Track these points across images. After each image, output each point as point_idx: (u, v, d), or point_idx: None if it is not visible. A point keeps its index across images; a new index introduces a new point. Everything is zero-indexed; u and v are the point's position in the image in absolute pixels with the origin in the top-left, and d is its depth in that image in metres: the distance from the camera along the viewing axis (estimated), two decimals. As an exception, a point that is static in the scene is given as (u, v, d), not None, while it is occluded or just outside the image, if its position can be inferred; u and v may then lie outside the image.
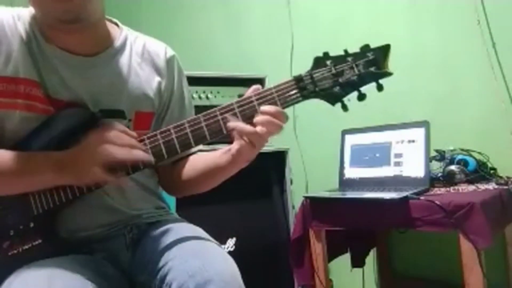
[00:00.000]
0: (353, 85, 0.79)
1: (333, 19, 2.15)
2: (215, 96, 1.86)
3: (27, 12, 0.90)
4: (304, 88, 0.80)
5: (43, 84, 0.86)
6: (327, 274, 1.61)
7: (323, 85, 0.80)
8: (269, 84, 1.97)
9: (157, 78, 1.00)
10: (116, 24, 1.00)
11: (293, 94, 0.81)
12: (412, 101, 1.90)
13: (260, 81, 1.97)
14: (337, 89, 0.80)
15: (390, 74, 0.79)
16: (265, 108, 0.81)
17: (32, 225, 0.85)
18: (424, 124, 1.57)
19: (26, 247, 0.84)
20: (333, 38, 2.11)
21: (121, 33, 0.98)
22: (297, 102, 0.82)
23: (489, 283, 1.24)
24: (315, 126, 2.15)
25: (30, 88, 0.85)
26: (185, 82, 1.07)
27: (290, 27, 2.27)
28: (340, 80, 0.79)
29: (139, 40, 1.01)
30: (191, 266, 0.79)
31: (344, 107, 0.81)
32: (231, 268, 0.83)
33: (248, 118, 0.82)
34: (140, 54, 0.99)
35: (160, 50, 1.03)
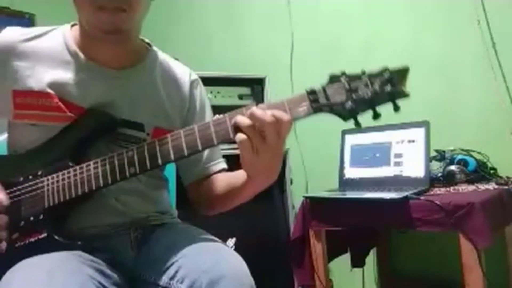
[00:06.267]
0: (368, 103, 0.78)
1: (333, 19, 2.15)
2: (215, 96, 1.86)
3: (60, 29, 0.97)
4: (316, 101, 0.80)
5: (63, 93, 0.91)
6: (327, 274, 1.61)
7: (335, 99, 0.79)
8: (269, 84, 2.00)
9: (180, 99, 1.04)
10: (149, 45, 1.05)
11: (304, 106, 0.80)
12: (412, 101, 1.88)
13: (260, 81, 1.97)
14: (350, 104, 0.78)
15: (406, 95, 0.78)
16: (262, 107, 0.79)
17: (41, 217, 0.87)
18: (424, 124, 1.57)
19: (32, 239, 0.86)
20: (333, 38, 2.11)
21: (151, 53, 1.03)
22: (308, 115, 0.81)
23: (489, 283, 1.24)
24: (315, 126, 2.15)
25: (46, 99, 0.90)
26: (208, 105, 1.11)
27: (290, 27, 2.27)
28: (354, 96, 0.78)
29: (167, 62, 1.06)
30: (204, 263, 0.80)
31: (357, 124, 0.80)
32: (243, 265, 0.84)
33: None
34: (166, 75, 1.03)
35: (185, 74, 1.07)
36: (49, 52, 0.93)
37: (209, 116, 1.10)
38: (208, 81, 1.86)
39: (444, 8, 1.82)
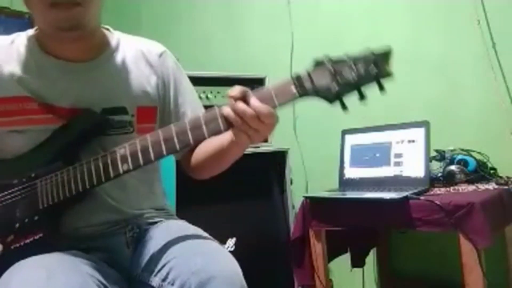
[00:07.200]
0: (352, 85, 0.79)
1: (333, 19, 2.15)
2: (215, 96, 1.86)
3: (24, 34, 0.97)
4: (301, 85, 0.81)
5: (40, 96, 0.91)
6: (327, 274, 1.61)
7: (320, 83, 0.80)
8: (269, 84, 1.99)
9: (153, 73, 1.03)
10: (108, 30, 1.04)
11: (290, 91, 0.81)
12: (412, 101, 1.90)
13: (260, 81, 1.97)
14: (335, 87, 0.79)
15: (390, 74, 0.79)
16: (253, 102, 0.81)
17: (36, 218, 0.87)
18: (424, 124, 1.57)
19: (28, 241, 0.86)
20: (333, 38, 2.11)
21: (113, 37, 1.03)
22: (294, 99, 0.82)
23: (489, 283, 1.24)
24: (315, 126, 2.15)
25: (25, 103, 0.91)
26: (182, 74, 1.10)
27: (290, 27, 2.27)
28: (339, 79, 0.80)
29: (131, 42, 1.05)
30: (194, 264, 0.80)
31: (344, 106, 0.80)
32: (234, 266, 0.84)
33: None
34: (134, 53, 1.03)
35: (152, 47, 1.06)
36: (18, 58, 0.93)
37: (186, 84, 1.10)
38: (208, 81, 1.88)
39: (444, 8, 1.82)
